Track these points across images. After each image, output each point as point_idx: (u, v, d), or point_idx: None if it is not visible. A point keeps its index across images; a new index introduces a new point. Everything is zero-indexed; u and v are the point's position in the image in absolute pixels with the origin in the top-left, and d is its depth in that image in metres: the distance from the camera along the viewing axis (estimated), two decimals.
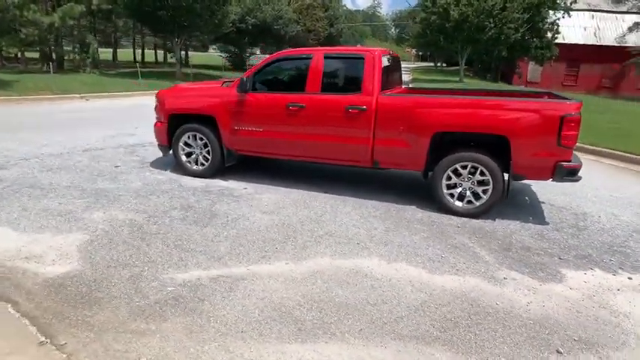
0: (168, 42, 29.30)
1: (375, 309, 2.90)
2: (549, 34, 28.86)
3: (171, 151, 5.90)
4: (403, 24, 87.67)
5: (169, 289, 3.01)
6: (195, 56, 29.58)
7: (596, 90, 32.00)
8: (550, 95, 5.56)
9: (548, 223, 4.64)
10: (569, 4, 28.02)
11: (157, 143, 6.18)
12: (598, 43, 33.16)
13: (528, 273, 3.52)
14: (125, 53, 39.69)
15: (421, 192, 5.33)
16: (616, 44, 31.41)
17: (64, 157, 6.44)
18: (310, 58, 5.11)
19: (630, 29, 29.84)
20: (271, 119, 5.25)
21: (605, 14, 33.97)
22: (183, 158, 5.82)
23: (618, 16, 33.42)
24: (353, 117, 4.87)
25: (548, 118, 4.24)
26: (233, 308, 2.82)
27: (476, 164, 4.53)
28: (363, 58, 4.92)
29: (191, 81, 19.62)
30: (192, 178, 5.70)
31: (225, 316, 2.74)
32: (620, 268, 3.70)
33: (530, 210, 5.05)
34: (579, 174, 4.41)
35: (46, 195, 4.83)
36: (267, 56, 5.69)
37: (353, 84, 4.97)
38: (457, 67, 45.50)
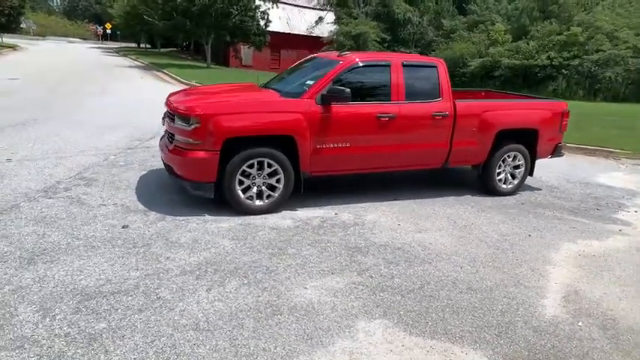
0: None
1: None
2: (262, 22, 32.18)
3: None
4: None
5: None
6: None
7: None
8: (487, 92, 7.32)
9: (540, 189, 6.39)
10: None
11: (180, 181, 4.35)
12: (292, 32, 39.39)
13: (613, 224, 5.09)
14: None
15: (454, 181, 6.14)
16: (306, 34, 38.24)
17: None
18: (389, 66, 4.91)
19: (316, 22, 36.93)
20: (360, 132, 4.78)
21: (292, 7, 40.46)
22: (241, 195, 4.42)
23: (301, 9, 40.55)
24: (437, 123, 5.11)
25: (556, 112, 5.88)
26: None
27: (517, 153, 5.73)
28: (436, 67, 5.17)
29: None
30: (257, 217, 4.44)
31: None
32: (622, 208, 5.75)
33: None
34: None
35: (153, 301, 2.91)
36: None
37: (431, 91, 5.13)
38: (167, 50, 44.06)
